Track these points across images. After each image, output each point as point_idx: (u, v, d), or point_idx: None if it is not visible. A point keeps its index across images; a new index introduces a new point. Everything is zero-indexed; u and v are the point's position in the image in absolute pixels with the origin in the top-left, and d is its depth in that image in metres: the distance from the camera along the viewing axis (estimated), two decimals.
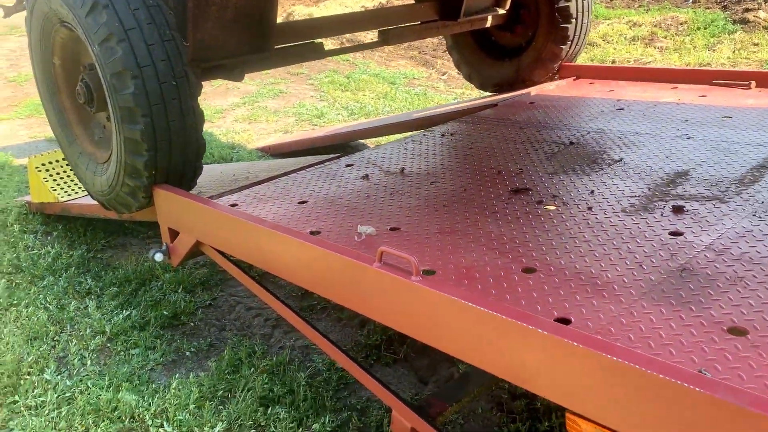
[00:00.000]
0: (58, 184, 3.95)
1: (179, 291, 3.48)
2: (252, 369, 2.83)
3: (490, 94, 4.48)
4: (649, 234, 1.92)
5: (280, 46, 3.12)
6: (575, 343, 1.26)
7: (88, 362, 2.95)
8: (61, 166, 4.05)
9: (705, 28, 9.23)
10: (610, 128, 3.05)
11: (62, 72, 2.92)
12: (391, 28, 3.53)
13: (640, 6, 11.21)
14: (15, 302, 3.42)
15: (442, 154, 2.90)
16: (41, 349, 3.04)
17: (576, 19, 3.83)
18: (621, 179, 2.39)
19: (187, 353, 3.04)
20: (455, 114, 3.82)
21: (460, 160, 2.81)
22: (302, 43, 3.24)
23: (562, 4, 3.82)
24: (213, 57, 2.81)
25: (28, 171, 4.08)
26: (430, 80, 8.22)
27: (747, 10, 9.62)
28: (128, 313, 3.26)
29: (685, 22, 9.82)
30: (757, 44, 8.28)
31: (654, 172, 2.43)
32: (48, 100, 3.01)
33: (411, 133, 3.50)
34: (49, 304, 3.37)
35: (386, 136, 4.55)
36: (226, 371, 2.83)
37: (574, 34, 3.88)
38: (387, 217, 2.25)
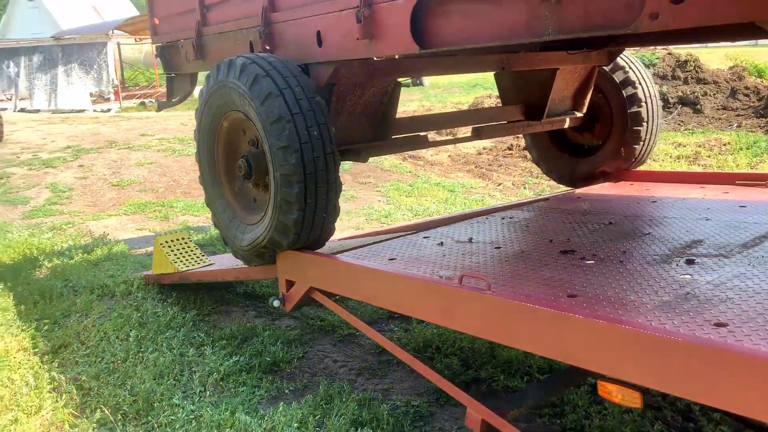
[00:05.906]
0: (178, 258, 4.75)
1: (277, 344, 4.14)
2: (342, 401, 3.40)
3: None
4: (665, 275, 2.52)
5: (396, 137, 3.90)
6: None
7: (207, 393, 3.59)
8: (181, 244, 4.88)
9: (748, 149, 9.83)
10: (643, 214, 3.67)
11: (223, 153, 3.70)
12: (483, 126, 4.25)
13: (685, 129, 11.99)
14: (143, 350, 4.13)
15: (502, 230, 3.57)
16: (168, 383, 3.70)
17: (647, 122, 4.49)
18: (648, 245, 3.00)
19: (287, 391, 3.65)
20: (511, 207, 4.50)
21: (518, 233, 3.46)
22: (413, 134, 4.02)
23: (634, 109, 4.47)
24: (344, 142, 3.59)
25: (153, 247, 4.91)
26: (486, 189, 9.03)
27: None
28: (237, 359, 3.92)
29: (728, 143, 10.49)
30: None
31: (675, 240, 3.04)
32: (209, 178, 3.79)
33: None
34: (173, 350, 4.06)
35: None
36: (321, 402, 3.41)
37: (646, 136, 4.53)
38: (460, 268, 2.91)
